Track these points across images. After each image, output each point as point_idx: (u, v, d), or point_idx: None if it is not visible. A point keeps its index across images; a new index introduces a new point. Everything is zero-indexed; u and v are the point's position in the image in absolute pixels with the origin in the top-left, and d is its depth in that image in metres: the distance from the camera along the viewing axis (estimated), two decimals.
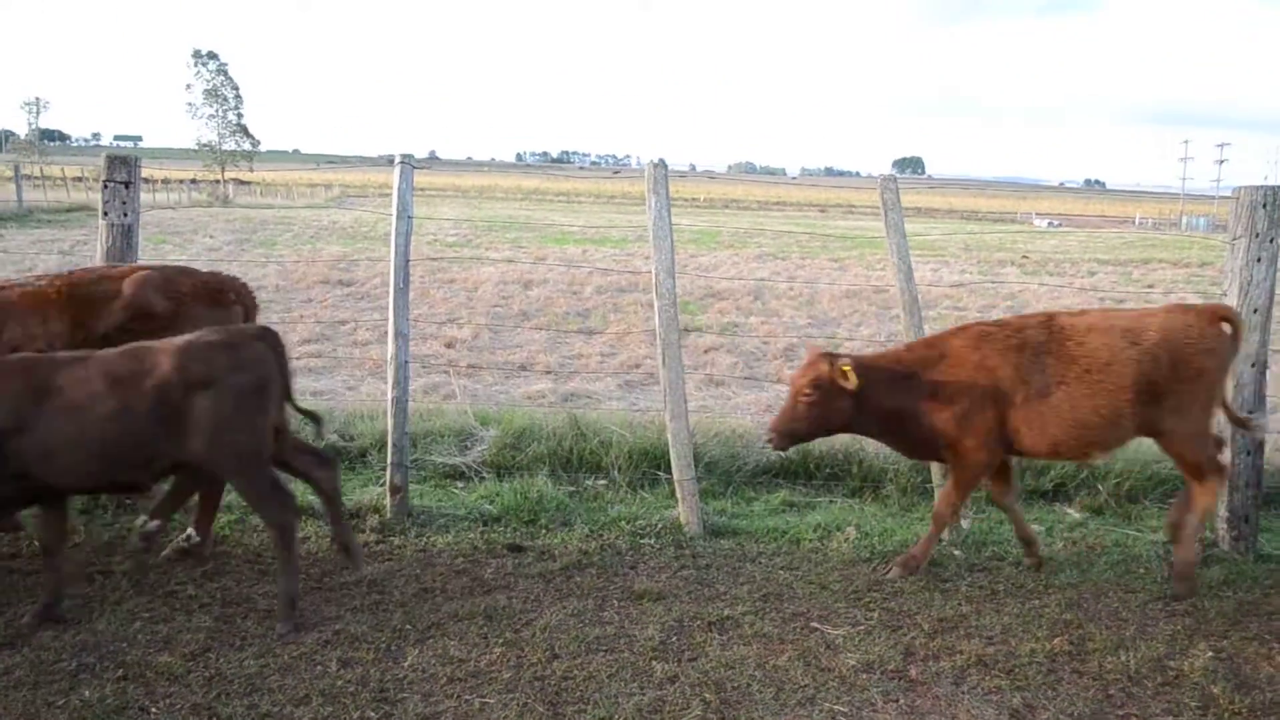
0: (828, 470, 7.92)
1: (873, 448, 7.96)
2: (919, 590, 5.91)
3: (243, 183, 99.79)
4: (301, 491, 6.83)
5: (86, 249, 24.28)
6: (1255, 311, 6.64)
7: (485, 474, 7.62)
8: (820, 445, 8.06)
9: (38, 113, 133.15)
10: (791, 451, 7.98)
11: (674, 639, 5.21)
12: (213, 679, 4.65)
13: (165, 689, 4.55)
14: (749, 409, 11.10)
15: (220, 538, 6.33)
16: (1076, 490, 7.68)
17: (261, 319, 6.40)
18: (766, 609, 5.60)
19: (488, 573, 5.96)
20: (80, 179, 65.48)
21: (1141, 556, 6.58)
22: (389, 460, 6.80)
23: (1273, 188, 6.67)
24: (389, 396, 6.88)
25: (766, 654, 5.08)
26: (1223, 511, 6.77)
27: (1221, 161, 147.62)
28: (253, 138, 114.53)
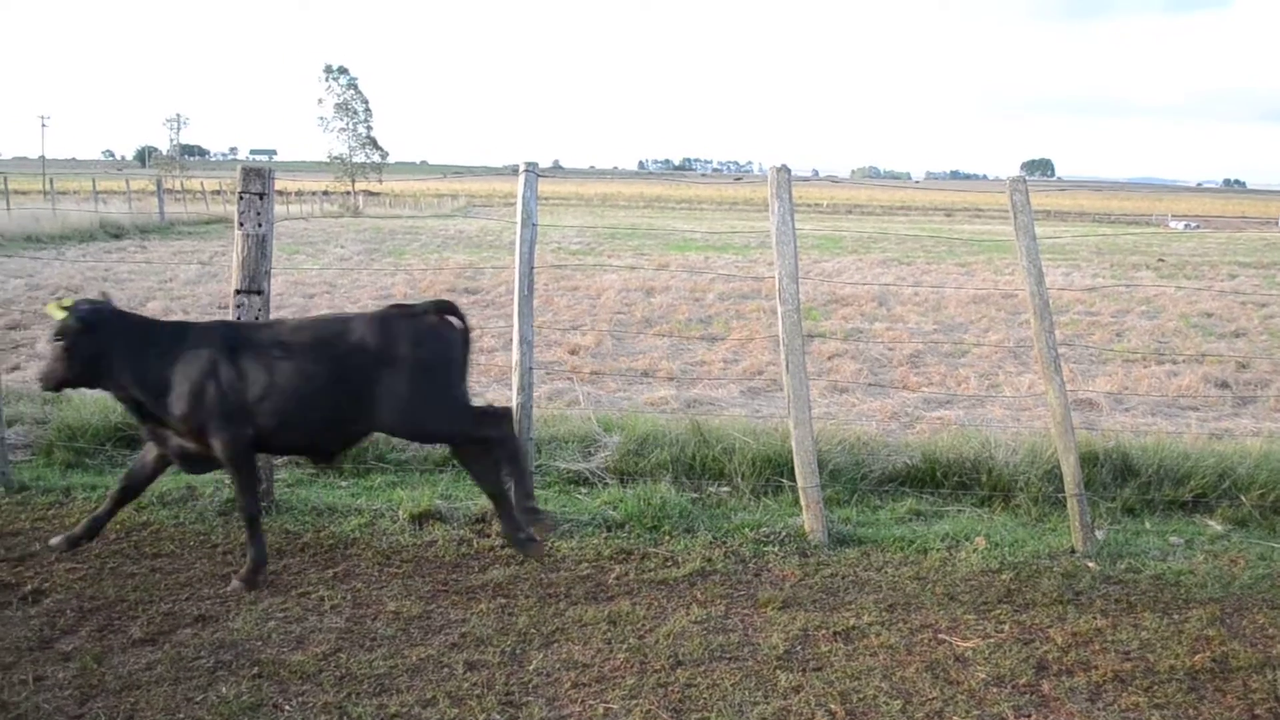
0: (956, 479, 7.76)
1: (1002, 456, 7.78)
2: (1052, 603, 5.75)
3: (372, 194, 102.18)
4: (429, 497, 6.98)
5: (225, 259, 25.10)
6: None
7: (609, 480, 7.65)
8: (948, 453, 7.92)
9: (178, 129, 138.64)
10: (919, 459, 7.87)
11: (799, 648, 5.15)
12: (343, 679, 4.75)
13: (298, 687, 4.66)
14: (874, 416, 10.96)
15: (351, 540, 6.47)
16: (1218, 501, 7.40)
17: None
18: (893, 620, 5.51)
19: (611, 578, 5.98)
20: (219, 192, 67.93)
21: None
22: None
23: None
24: (514, 402, 6.95)
25: (893, 665, 5.00)
26: None
27: None
28: (382, 150, 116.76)
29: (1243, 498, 7.39)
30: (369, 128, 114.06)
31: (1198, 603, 5.82)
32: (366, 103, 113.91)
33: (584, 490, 7.57)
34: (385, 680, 4.75)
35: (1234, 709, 4.66)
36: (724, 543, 6.57)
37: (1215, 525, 7.18)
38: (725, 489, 7.54)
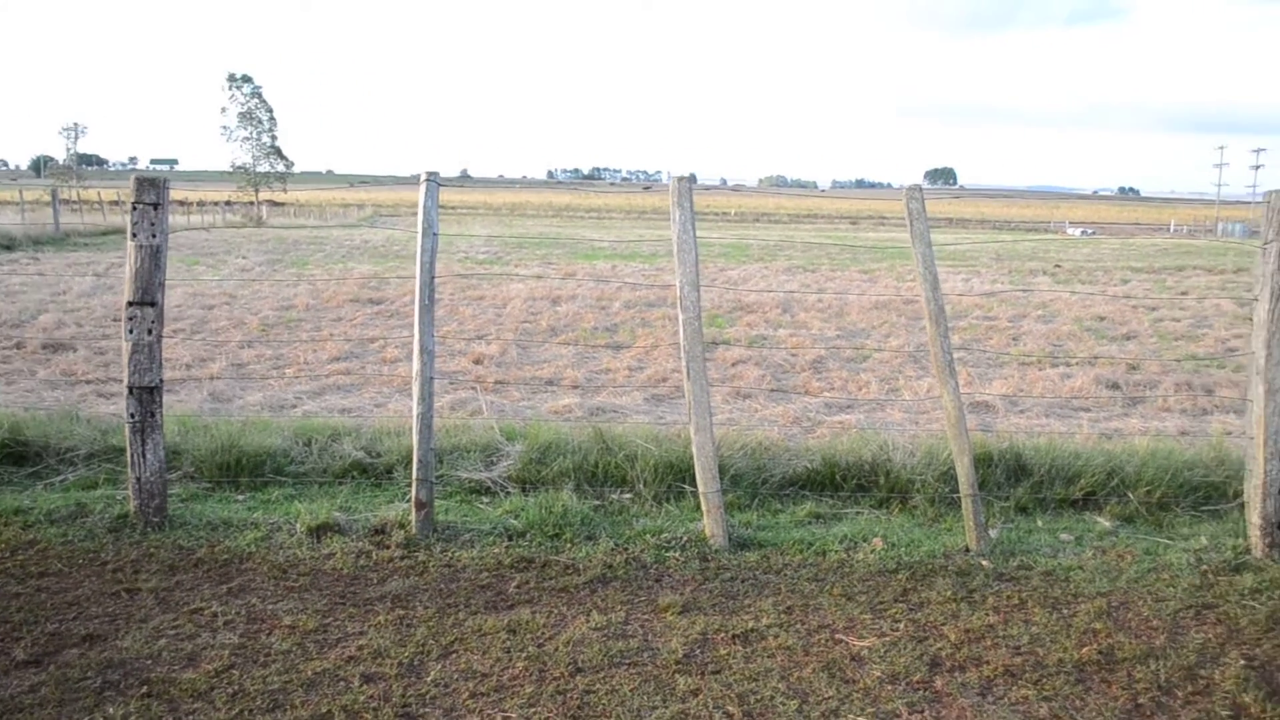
0: (855, 481, 7.87)
1: (900, 458, 7.91)
2: (946, 601, 5.86)
3: (276, 204, 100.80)
4: (327, 510, 6.90)
5: (120, 270, 24.54)
6: None
7: (511, 489, 7.62)
8: (847, 456, 8.03)
9: (75, 138, 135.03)
10: (819, 462, 7.97)
11: (698, 652, 5.18)
12: (236, 696, 4.66)
13: (189, 706, 4.56)
14: (776, 421, 11.07)
15: (246, 554, 6.36)
16: (1106, 498, 7.60)
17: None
18: (791, 621, 5.56)
19: (511, 587, 5.96)
20: (116, 202, 66.40)
21: (1172, 565, 6.49)
22: (414, 476, 6.81)
23: None
24: (414, 412, 6.89)
25: (791, 666, 5.05)
26: (1255, 518, 6.68)
27: (1258, 167, 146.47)
28: (286, 159, 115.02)
29: (1130, 494, 7.59)
30: (273, 137, 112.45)
31: (1086, 597, 5.96)
32: (271, 111, 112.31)
33: (485, 499, 7.54)
34: (280, 696, 4.67)
35: (1119, 699, 4.79)
36: (625, 549, 6.58)
37: (1104, 522, 7.37)
38: (627, 495, 7.56)
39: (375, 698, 4.67)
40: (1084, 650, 5.24)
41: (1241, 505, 7.04)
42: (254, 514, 7.07)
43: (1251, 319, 6.85)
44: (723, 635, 5.36)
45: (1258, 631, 5.52)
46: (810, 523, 7.27)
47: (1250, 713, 4.66)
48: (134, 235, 6.74)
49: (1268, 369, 6.59)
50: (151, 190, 6.80)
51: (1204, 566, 6.40)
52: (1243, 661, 5.15)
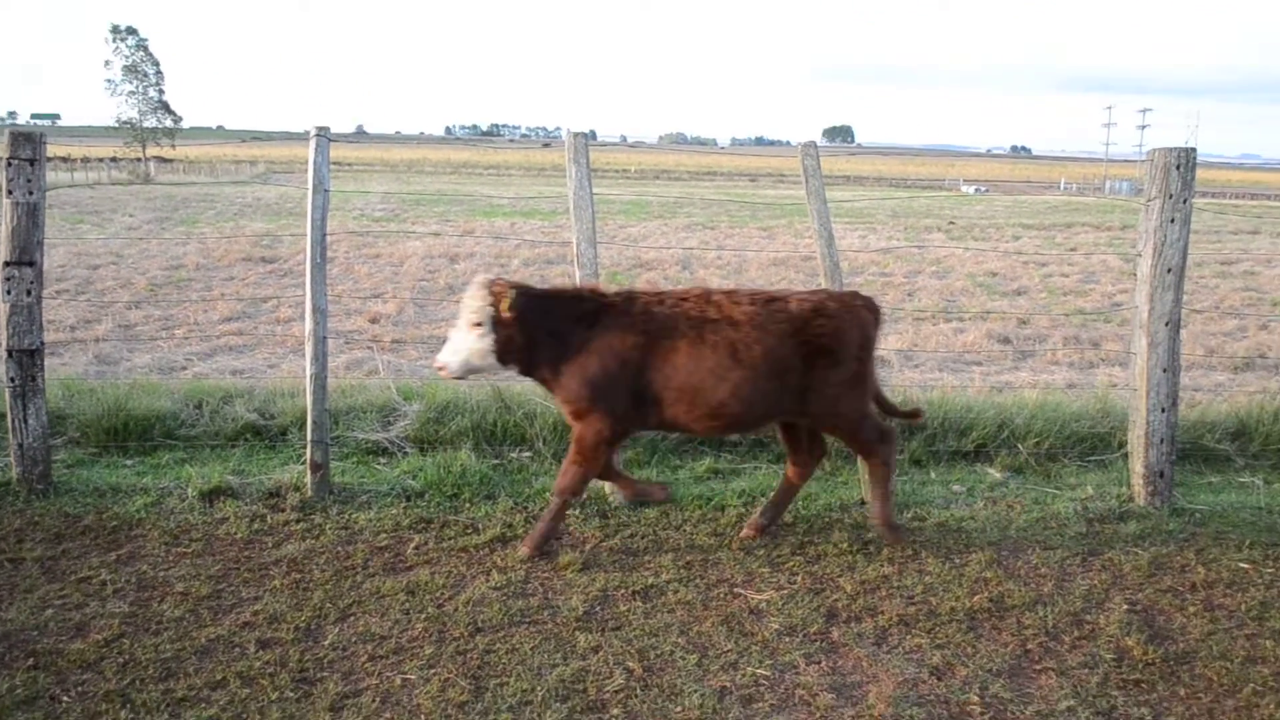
0: (753, 437, 7.93)
1: None
2: (842, 553, 5.95)
3: (165, 160, 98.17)
4: (220, 474, 6.76)
5: None
6: (1169, 271, 6.72)
7: (408, 449, 7.53)
8: None
9: None
10: None
11: (598, 609, 5.19)
12: (127, 665, 4.56)
13: (78, 677, 4.45)
14: None
15: (136, 521, 6.21)
16: (997, 450, 7.77)
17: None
18: (691, 576, 5.60)
19: (410, 548, 5.90)
20: None
21: (1060, 514, 6.67)
22: (309, 438, 6.69)
23: (1185, 149, 6.75)
24: (308, 373, 6.76)
25: (690, 621, 5.09)
26: (1139, 468, 6.89)
27: (1144, 127, 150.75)
28: (175, 114, 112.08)
29: (1020, 446, 7.77)
30: (160, 91, 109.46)
31: (977, 547, 6.10)
32: (157, 65, 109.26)
33: (383, 460, 7.44)
34: (172, 664, 4.58)
35: (1008, 645, 4.92)
36: (525, 508, 6.56)
37: (994, 473, 7.54)
38: (527, 454, 7.53)
39: (271, 663, 4.60)
40: (975, 599, 5.37)
41: (1125, 455, 7.25)
42: (143, 479, 6.89)
43: (1135, 274, 7.04)
44: (623, 592, 5.38)
45: (1140, 577, 5.71)
46: (709, 478, 7.32)
47: (1133, 655, 4.82)
48: (9, 192, 6.49)
49: (1150, 323, 6.77)
50: (27, 145, 6.55)
51: (1090, 515, 6.59)
52: (1126, 606, 5.32)
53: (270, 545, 5.93)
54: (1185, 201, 6.71)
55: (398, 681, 4.49)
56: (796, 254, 23.43)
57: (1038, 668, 4.73)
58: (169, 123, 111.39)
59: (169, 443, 7.63)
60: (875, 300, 6.17)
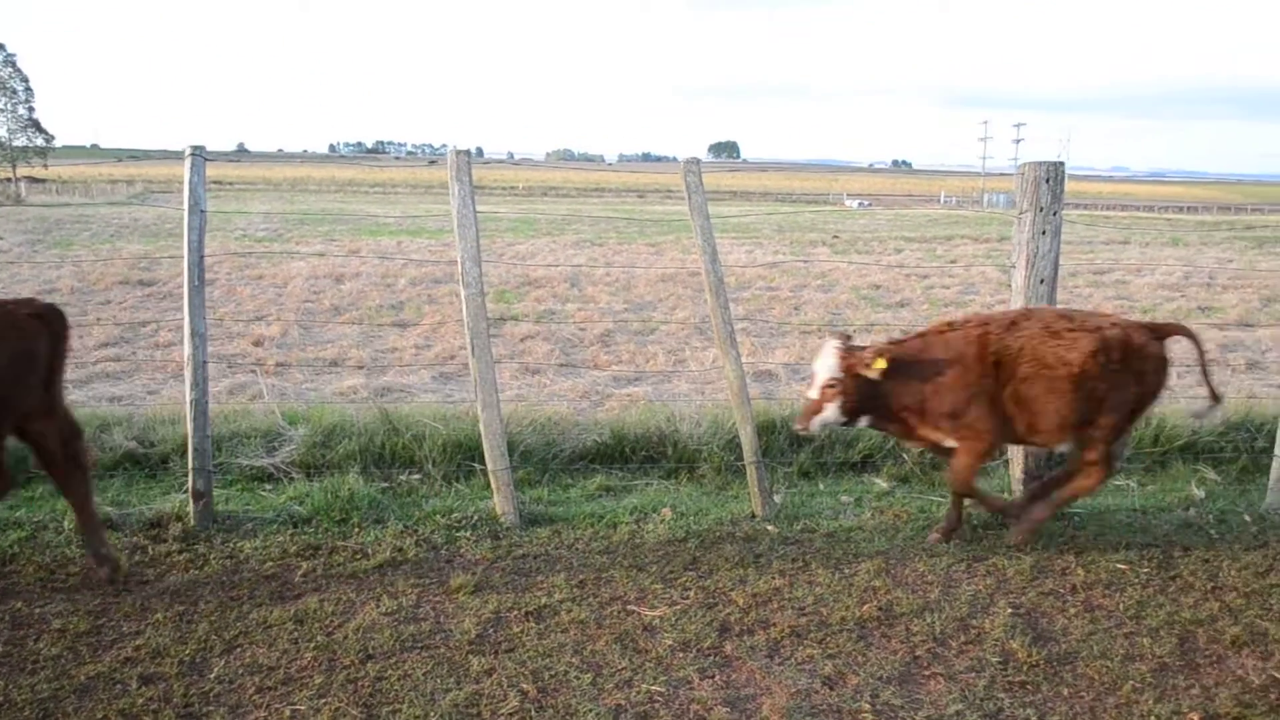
0: (644, 453, 7.96)
1: (687, 428, 8.04)
2: (734, 567, 5.99)
3: (37, 180, 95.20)
4: (99, 503, 6.55)
5: None
6: (1042, 282, 6.94)
7: (294, 474, 7.40)
8: (636, 429, 8.13)
9: None
10: (608, 436, 8.03)
11: (491, 631, 5.16)
12: (1, 707, 4.39)
13: None
14: (566, 396, 11.11)
15: (9, 556, 5.99)
16: (883, 461, 7.91)
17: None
18: (584, 595, 5.59)
19: (298, 576, 5.79)
20: None
21: (943, 521, 6.81)
22: (190, 465, 6.53)
23: (1054, 164, 6.97)
24: (188, 399, 6.60)
25: (584, 640, 5.08)
26: (1018, 472, 7.07)
27: (1019, 141, 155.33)
28: (46, 133, 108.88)
29: (905, 456, 7.93)
30: (30, 109, 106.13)
31: (866, 556, 6.21)
32: (26, 81, 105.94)
33: (268, 486, 7.30)
34: (49, 704, 4.43)
35: (898, 652, 5.01)
36: (415, 531, 6.48)
37: (881, 483, 7.68)
38: (416, 476, 7.45)
39: (155, 699, 4.48)
40: (865, 608, 5.45)
41: (1006, 461, 7.45)
42: (16, 512, 6.65)
43: (1010, 285, 7.25)
44: (516, 613, 5.35)
45: (1023, 581, 5.86)
46: (601, 496, 7.33)
47: (1018, 657, 4.94)
48: None
49: None
50: None
51: (974, 521, 6.74)
52: (1010, 610, 5.46)
53: (152, 577, 5.76)
54: (1055, 214, 6.93)
55: (287, 713, 4.39)
56: (684, 269, 23.61)
57: (927, 673, 4.82)
58: (40, 141, 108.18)
59: (43, 474, 7.37)
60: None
